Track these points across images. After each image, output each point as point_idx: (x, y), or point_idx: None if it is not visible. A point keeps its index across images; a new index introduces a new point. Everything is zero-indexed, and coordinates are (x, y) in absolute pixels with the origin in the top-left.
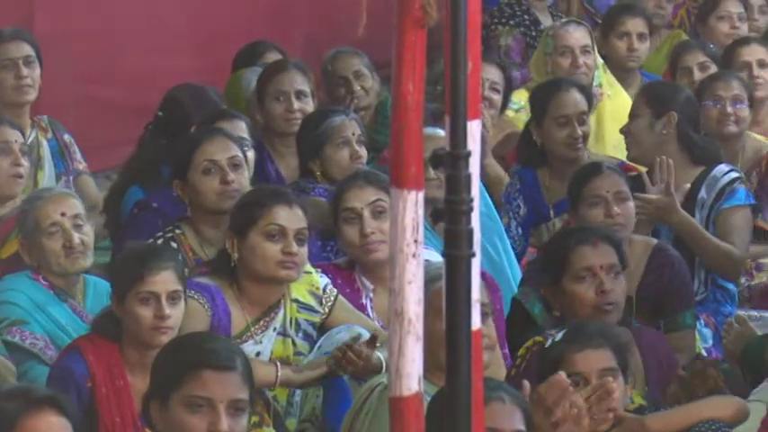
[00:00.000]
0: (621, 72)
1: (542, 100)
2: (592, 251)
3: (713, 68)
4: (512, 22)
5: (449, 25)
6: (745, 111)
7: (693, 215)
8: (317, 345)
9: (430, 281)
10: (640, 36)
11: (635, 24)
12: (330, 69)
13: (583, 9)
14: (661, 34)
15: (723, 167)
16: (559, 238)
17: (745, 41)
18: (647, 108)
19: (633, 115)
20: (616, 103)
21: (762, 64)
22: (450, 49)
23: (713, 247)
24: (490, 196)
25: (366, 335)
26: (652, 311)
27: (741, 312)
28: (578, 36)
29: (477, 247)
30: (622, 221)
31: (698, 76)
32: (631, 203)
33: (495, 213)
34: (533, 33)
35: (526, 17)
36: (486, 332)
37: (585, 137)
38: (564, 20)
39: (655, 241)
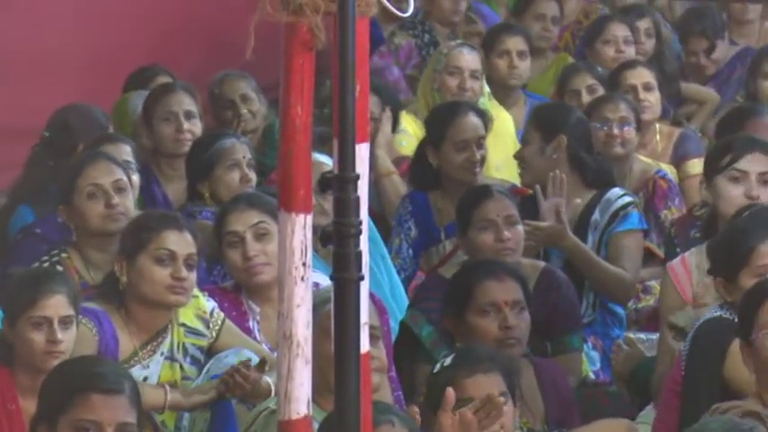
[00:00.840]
0: (504, 90)
1: (441, 123)
2: (497, 286)
3: (601, 91)
4: (411, 32)
5: (337, 48)
6: (631, 133)
7: (586, 237)
8: (205, 369)
9: (320, 303)
10: (520, 54)
11: (515, 42)
12: (217, 93)
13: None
14: (548, 57)
15: (617, 191)
16: (465, 270)
17: (631, 65)
18: (537, 132)
19: (524, 141)
20: (497, 123)
21: (647, 87)
22: (339, 72)
23: (604, 273)
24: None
25: (255, 359)
26: (540, 334)
27: (629, 334)
28: (470, 59)
29: (365, 270)
30: (513, 246)
31: (586, 98)
32: (521, 227)
33: (377, 234)
34: (427, 52)
35: (426, 36)
36: (377, 355)
37: (482, 160)
38: (459, 41)
39: (542, 264)
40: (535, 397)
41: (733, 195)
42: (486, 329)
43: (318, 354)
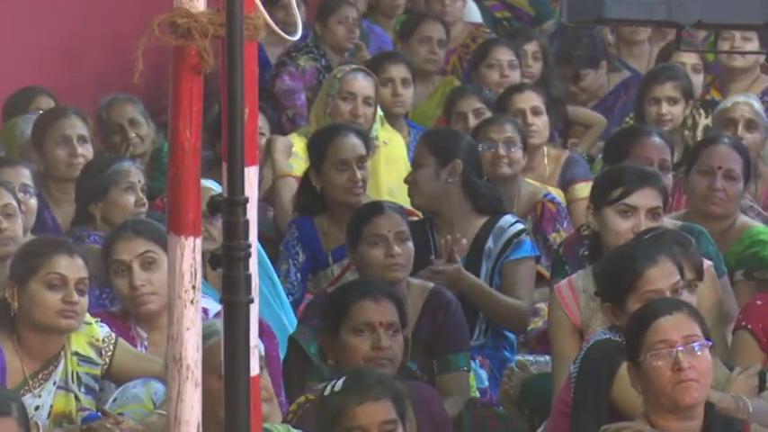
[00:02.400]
0: (389, 119)
1: (320, 145)
2: (373, 306)
3: (488, 114)
4: (311, 55)
5: (226, 72)
6: (518, 153)
7: (480, 265)
8: (112, 397)
9: (204, 337)
10: (404, 81)
11: (398, 70)
12: (105, 117)
13: None
14: (434, 81)
15: (509, 218)
16: (343, 289)
17: (518, 89)
18: (432, 156)
19: (417, 164)
20: (390, 147)
21: (536, 111)
22: (228, 96)
23: (501, 305)
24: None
25: (161, 389)
26: (427, 353)
27: (519, 357)
28: (364, 85)
29: (255, 293)
30: (402, 262)
31: (473, 121)
32: (411, 244)
33: (266, 258)
34: (323, 76)
35: (323, 60)
36: (263, 384)
37: (364, 181)
38: (354, 66)
39: (431, 285)
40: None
41: (621, 230)
42: (359, 348)
43: (204, 390)
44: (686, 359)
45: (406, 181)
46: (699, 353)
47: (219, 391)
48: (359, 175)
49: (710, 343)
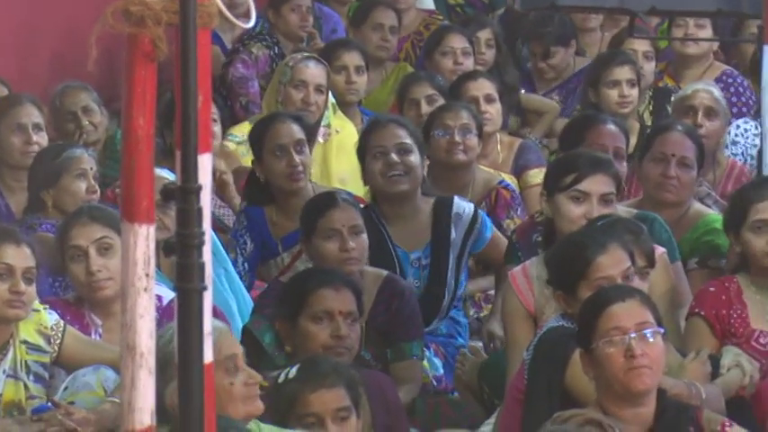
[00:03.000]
0: (342, 107)
1: (259, 135)
2: (333, 295)
3: (441, 101)
4: (264, 43)
5: (179, 60)
6: (474, 140)
7: (447, 257)
8: (63, 386)
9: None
10: (358, 69)
11: (352, 58)
12: (58, 105)
13: None
14: (387, 67)
15: (459, 202)
16: (303, 276)
17: (472, 76)
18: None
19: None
20: (342, 136)
21: (489, 99)
22: (181, 84)
23: None
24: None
25: (112, 377)
26: (380, 341)
27: (472, 343)
28: (316, 73)
29: (208, 281)
30: (357, 255)
31: (425, 108)
32: (365, 236)
33: (220, 246)
34: (276, 64)
35: (276, 48)
36: (252, 381)
37: (305, 166)
38: (306, 54)
39: (385, 273)
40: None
41: (574, 215)
42: (318, 336)
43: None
44: (638, 346)
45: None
46: (651, 340)
47: (231, 386)
48: (297, 159)
49: (662, 330)
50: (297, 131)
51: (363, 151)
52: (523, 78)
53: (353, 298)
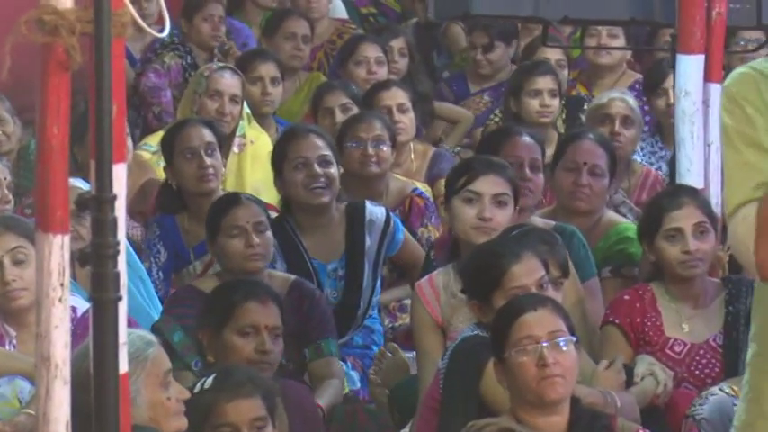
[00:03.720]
0: (257, 117)
1: (170, 140)
2: (260, 309)
3: (355, 110)
4: (176, 52)
5: (93, 69)
6: (387, 151)
7: (363, 266)
8: None
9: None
10: (273, 80)
11: (267, 69)
12: None
13: None
14: (300, 77)
15: (370, 207)
16: (229, 287)
17: (385, 85)
18: None
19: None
20: (257, 146)
21: (402, 109)
22: (95, 93)
23: None
24: None
25: (27, 388)
26: (293, 343)
27: (391, 344)
28: (231, 83)
29: (123, 291)
30: (261, 252)
31: (340, 117)
32: (269, 234)
33: (135, 257)
34: (189, 74)
35: (188, 58)
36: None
37: (216, 169)
38: (221, 64)
39: (293, 277)
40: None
41: (466, 216)
42: (243, 350)
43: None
44: (551, 355)
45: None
46: (564, 348)
47: (168, 401)
48: (208, 161)
49: (575, 338)
50: (207, 135)
51: (281, 161)
52: (455, 79)
53: (278, 312)
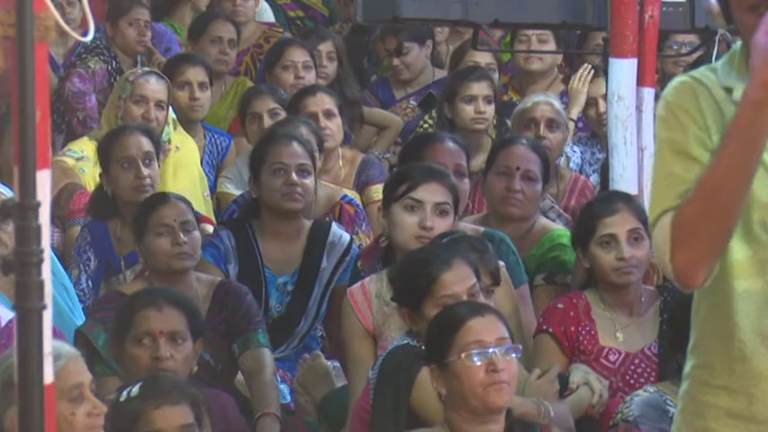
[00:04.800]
0: (186, 124)
1: (107, 147)
2: (155, 315)
3: (283, 115)
4: (101, 57)
5: (16, 74)
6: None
7: (313, 287)
8: None
9: None
10: (201, 85)
11: (195, 73)
12: None
13: None
14: (226, 81)
15: (336, 230)
16: (131, 298)
17: (310, 91)
18: None
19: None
20: (182, 152)
21: (328, 114)
22: (18, 99)
23: None
24: None
25: None
26: (220, 341)
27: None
28: (157, 89)
29: (48, 300)
30: (189, 251)
31: (268, 122)
32: (197, 233)
33: (59, 264)
34: (114, 78)
35: (114, 62)
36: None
37: (153, 179)
38: (146, 69)
39: (219, 278)
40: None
41: (407, 224)
42: (140, 359)
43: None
44: (500, 361)
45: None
46: (511, 355)
47: (72, 417)
48: (145, 171)
49: (520, 346)
50: (145, 144)
51: (259, 163)
52: (379, 86)
53: (181, 317)
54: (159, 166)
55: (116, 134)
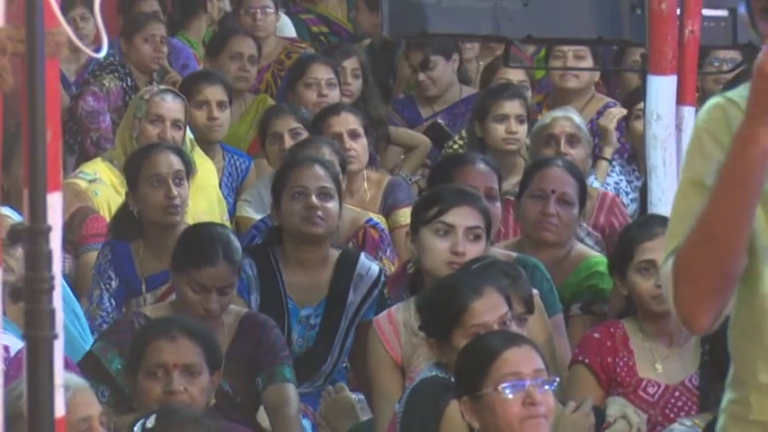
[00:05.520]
0: (204, 144)
1: (136, 164)
2: (168, 346)
3: (305, 135)
4: (117, 74)
5: (26, 92)
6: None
7: (340, 320)
8: None
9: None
10: (220, 104)
11: (214, 92)
12: None
13: None
14: (246, 99)
15: (365, 261)
16: (144, 327)
17: (334, 110)
18: None
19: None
20: (200, 175)
21: (353, 134)
22: (29, 118)
23: None
24: None
25: None
26: (243, 372)
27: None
28: (173, 107)
29: (59, 328)
30: (179, 203)
31: (289, 142)
32: (186, 185)
33: (69, 291)
34: (129, 97)
35: (129, 80)
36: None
37: (183, 200)
38: (163, 87)
39: (246, 309)
40: None
41: (438, 249)
42: (151, 392)
43: None
44: (537, 394)
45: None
46: (548, 388)
47: None
48: (175, 191)
49: (557, 379)
50: (176, 162)
51: (280, 188)
52: (404, 104)
53: (196, 348)
54: (189, 186)
55: (146, 152)
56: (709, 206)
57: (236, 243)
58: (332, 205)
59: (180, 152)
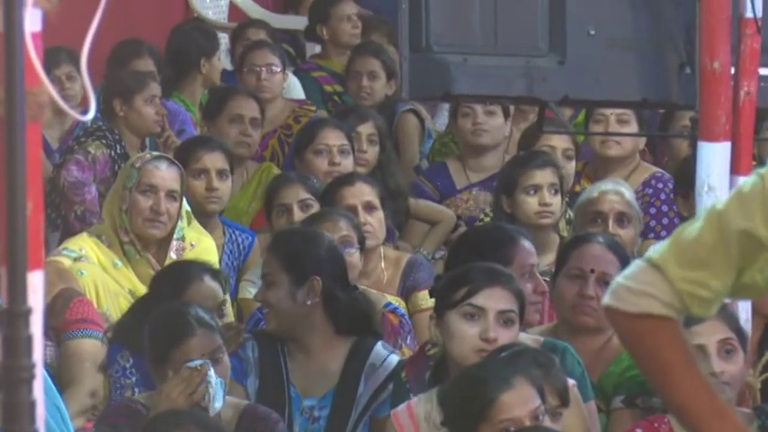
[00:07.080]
0: (202, 217)
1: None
2: None
3: (316, 207)
4: (103, 141)
5: (5, 159)
6: (355, 256)
7: (349, 414)
8: None
9: None
10: (220, 173)
11: (213, 159)
12: None
13: None
14: (248, 168)
15: (381, 350)
16: (150, 422)
17: (348, 180)
18: (285, 274)
19: (269, 282)
20: (197, 251)
21: (369, 207)
22: (7, 188)
23: None
24: None
25: None
26: None
27: None
28: (168, 177)
29: (40, 423)
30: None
31: (298, 215)
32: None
33: (49, 379)
34: (119, 166)
35: (117, 147)
36: None
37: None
38: (156, 154)
39: (246, 402)
40: None
41: (467, 335)
42: None
43: None
44: None
45: (256, 299)
46: None
47: None
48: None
49: None
50: (218, 291)
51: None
52: (438, 172)
53: None
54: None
55: (181, 275)
56: (683, 383)
57: None
58: None
59: (218, 276)
